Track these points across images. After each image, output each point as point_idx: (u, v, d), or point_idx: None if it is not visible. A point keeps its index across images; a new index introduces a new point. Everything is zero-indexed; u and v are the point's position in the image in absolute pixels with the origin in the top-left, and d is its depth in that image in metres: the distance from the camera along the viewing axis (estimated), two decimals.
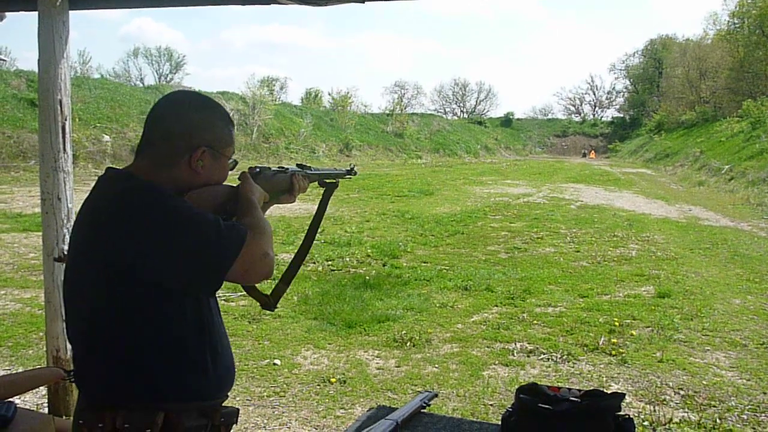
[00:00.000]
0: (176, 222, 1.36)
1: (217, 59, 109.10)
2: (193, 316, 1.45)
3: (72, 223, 3.07)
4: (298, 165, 1.90)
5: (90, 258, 1.41)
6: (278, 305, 1.83)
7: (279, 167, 1.80)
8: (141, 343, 1.40)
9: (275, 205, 1.87)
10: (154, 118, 1.51)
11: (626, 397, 3.95)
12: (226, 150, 1.54)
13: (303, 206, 12.06)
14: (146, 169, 1.46)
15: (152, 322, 1.40)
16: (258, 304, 1.84)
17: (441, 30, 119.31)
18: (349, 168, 2.19)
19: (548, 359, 4.75)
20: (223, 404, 1.56)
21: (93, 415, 1.42)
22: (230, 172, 1.61)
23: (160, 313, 1.40)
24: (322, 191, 2.02)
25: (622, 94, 67.38)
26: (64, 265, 1.57)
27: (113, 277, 1.36)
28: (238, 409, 1.61)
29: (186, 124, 1.48)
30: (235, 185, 1.59)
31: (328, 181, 2.01)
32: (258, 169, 1.69)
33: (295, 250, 1.94)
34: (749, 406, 3.96)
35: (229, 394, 1.59)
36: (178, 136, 1.47)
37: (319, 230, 10.69)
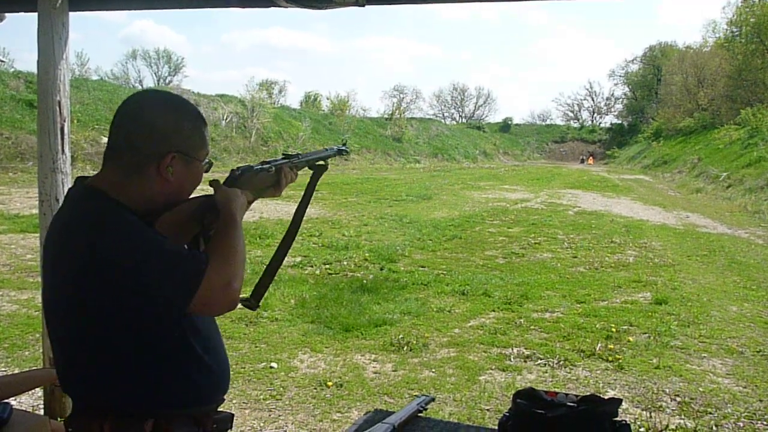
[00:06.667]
0: (133, 252, 1.27)
1: (218, 62, 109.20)
2: (182, 321, 1.38)
3: None
4: (284, 154, 1.75)
5: (62, 274, 1.36)
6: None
7: (263, 162, 1.67)
8: (127, 350, 1.34)
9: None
10: (118, 122, 1.39)
11: (623, 403, 3.96)
12: (198, 153, 1.42)
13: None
14: (113, 180, 1.37)
15: (137, 329, 1.33)
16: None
17: (440, 34, 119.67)
18: (341, 145, 2.02)
19: (545, 365, 4.75)
20: (219, 409, 1.52)
21: (82, 422, 1.40)
22: (205, 174, 1.49)
23: (144, 319, 1.32)
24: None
25: (620, 100, 67.34)
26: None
27: (88, 293, 1.30)
28: (232, 414, 1.57)
29: (151, 128, 1.36)
30: (210, 194, 1.49)
31: (318, 164, 1.86)
32: (240, 171, 1.57)
33: (288, 249, 1.78)
34: (745, 414, 3.96)
35: (225, 397, 1.55)
36: (143, 141, 1.35)
37: (317, 233, 10.57)
